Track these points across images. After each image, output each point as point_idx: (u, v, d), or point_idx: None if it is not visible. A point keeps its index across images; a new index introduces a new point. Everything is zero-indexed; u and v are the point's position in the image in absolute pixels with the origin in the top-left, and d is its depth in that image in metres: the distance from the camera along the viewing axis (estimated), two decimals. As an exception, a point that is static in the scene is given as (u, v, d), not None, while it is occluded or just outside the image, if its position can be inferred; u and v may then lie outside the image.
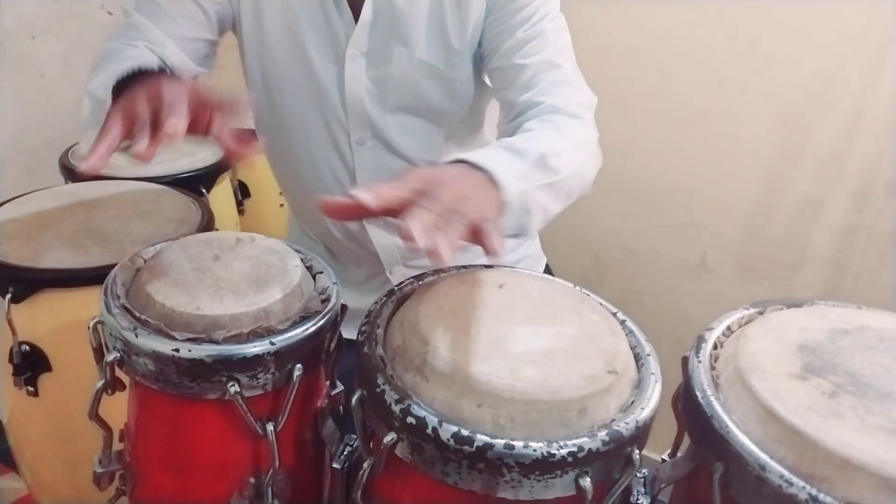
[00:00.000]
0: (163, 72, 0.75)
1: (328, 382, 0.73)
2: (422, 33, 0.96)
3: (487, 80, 1.02)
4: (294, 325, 0.64)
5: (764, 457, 0.55)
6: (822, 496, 0.52)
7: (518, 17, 0.94)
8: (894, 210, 1.50)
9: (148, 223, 1.06)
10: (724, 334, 0.70)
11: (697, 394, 0.61)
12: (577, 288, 0.74)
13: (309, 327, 0.64)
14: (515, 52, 0.93)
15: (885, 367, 0.62)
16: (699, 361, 0.65)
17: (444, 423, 0.55)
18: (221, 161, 1.50)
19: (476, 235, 0.59)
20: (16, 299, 0.96)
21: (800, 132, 1.52)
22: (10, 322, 0.96)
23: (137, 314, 0.62)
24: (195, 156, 1.49)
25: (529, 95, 0.92)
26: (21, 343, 0.96)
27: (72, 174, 1.39)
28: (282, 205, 1.66)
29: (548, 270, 1.25)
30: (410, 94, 0.99)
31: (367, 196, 0.57)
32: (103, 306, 0.63)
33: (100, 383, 0.64)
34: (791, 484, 0.53)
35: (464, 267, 0.75)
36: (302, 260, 0.72)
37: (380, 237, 1.09)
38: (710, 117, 1.56)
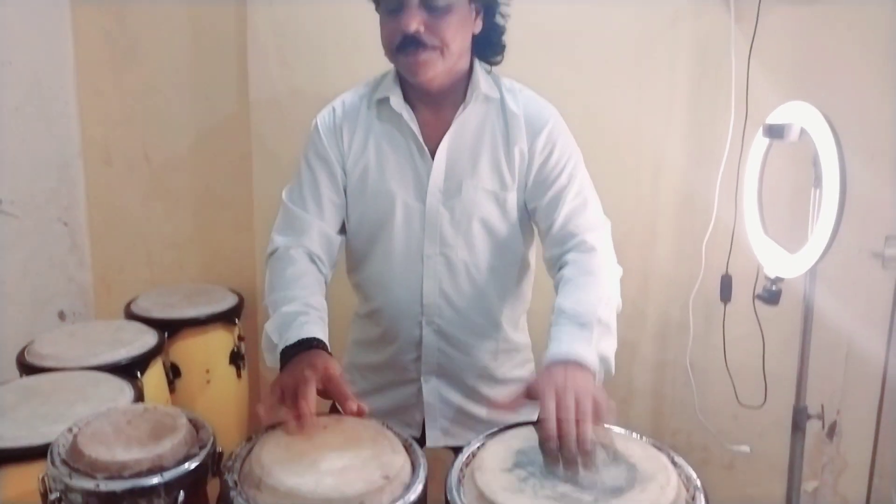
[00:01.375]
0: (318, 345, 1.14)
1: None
2: (483, 167, 1.31)
3: (532, 216, 1.36)
4: (178, 465, 0.97)
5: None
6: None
7: (556, 169, 1.31)
8: (684, 347, 1.92)
9: (88, 405, 1.35)
10: (478, 447, 1.04)
11: (448, 485, 0.95)
12: (381, 423, 1.09)
13: (189, 466, 0.97)
14: (555, 196, 1.30)
15: (567, 458, 0.97)
16: (453, 466, 0.99)
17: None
18: (154, 348, 1.81)
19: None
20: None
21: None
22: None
23: (72, 465, 0.94)
24: (132, 345, 1.78)
25: (565, 227, 1.29)
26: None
27: (27, 368, 1.66)
28: (208, 381, 1.99)
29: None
30: (475, 214, 1.32)
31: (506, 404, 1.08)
32: (49, 462, 0.96)
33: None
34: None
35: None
36: (189, 419, 1.06)
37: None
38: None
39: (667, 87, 1.94)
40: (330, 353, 1.15)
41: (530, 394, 1.06)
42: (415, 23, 1.18)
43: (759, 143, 1.67)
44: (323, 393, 1.08)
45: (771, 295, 1.57)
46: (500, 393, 1.41)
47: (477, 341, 1.40)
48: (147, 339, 1.82)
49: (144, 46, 2.44)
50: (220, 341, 2.05)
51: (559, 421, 0.99)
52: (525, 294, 1.46)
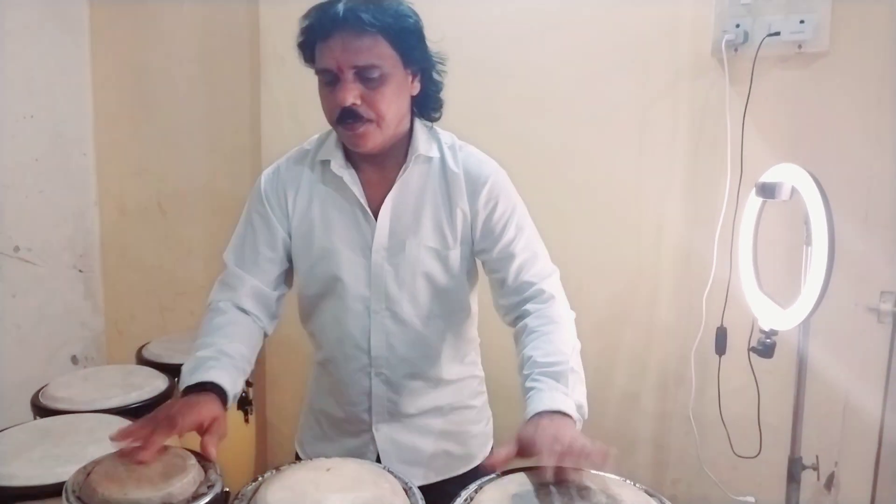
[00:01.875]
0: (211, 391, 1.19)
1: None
2: (426, 226, 1.34)
3: (480, 265, 1.41)
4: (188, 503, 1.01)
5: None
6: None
7: (500, 224, 1.34)
8: (686, 398, 1.94)
9: (100, 447, 1.37)
10: (475, 491, 1.07)
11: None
12: (382, 467, 1.13)
13: (197, 504, 1.01)
14: (504, 250, 1.34)
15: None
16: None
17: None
18: (164, 392, 1.86)
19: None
20: (-7, 513, 1.29)
21: (612, 342, 2.00)
22: (-13, 531, 1.28)
23: (85, 501, 0.98)
24: (142, 389, 1.83)
25: (519, 278, 1.34)
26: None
27: (41, 410, 1.71)
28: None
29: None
30: (419, 270, 1.35)
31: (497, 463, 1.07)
32: (63, 499, 1.00)
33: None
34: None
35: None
36: (198, 460, 1.10)
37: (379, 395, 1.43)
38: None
39: (666, 148, 2.02)
40: (224, 399, 1.20)
41: (521, 447, 1.09)
42: (350, 96, 1.21)
43: (753, 201, 1.73)
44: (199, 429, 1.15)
45: (766, 347, 1.61)
46: (449, 413, 1.47)
47: (424, 385, 1.44)
48: (157, 383, 1.87)
49: (160, 100, 2.55)
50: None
51: (558, 466, 1.03)
52: (470, 335, 1.51)
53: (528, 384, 1.20)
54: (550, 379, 1.18)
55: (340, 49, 1.20)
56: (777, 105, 1.89)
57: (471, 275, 1.44)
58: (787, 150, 1.80)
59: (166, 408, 1.17)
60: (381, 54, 1.22)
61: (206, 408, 1.16)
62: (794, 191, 1.54)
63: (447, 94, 1.38)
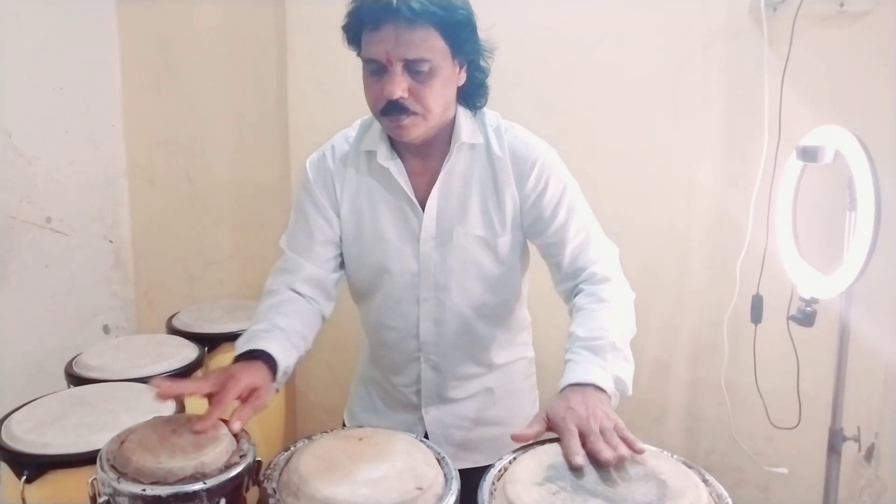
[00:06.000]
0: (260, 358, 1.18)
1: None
2: (473, 215, 1.31)
3: (538, 250, 1.37)
4: (220, 473, 1.00)
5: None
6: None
7: (550, 207, 1.30)
8: (719, 367, 1.91)
9: (132, 416, 1.41)
10: (510, 462, 1.05)
11: (480, 498, 0.97)
12: (415, 437, 1.11)
13: (230, 473, 1.01)
14: (557, 234, 1.31)
15: (598, 474, 0.98)
16: (485, 479, 1.00)
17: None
18: (194, 361, 1.87)
19: (625, 441, 1.00)
20: (29, 480, 1.30)
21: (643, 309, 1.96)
22: (23, 500, 1.30)
23: (120, 469, 0.98)
24: (173, 358, 1.85)
25: (574, 264, 1.31)
26: (33, 517, 1.29)
27: (75, 379, 1.74)
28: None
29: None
30: (468, 259, 1.33)
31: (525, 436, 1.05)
32: (98, 466, 1.00)
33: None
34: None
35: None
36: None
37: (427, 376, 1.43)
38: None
39: (700, 109, 1.96)
40: (274, 370, 1.19)
41: (549, 421, 1.07)
42: (399, 90, 1.17)
43: (793, 165, 1.68)
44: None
45: (806, 316, 1.57)
46: (500, 398, 1.46)
47: (474, 370, 1.43)
48: (188, 352, 1.89)
49: (187, 70, 2.53)
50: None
51: (583, 437, 1.01)
52: (520, 318, 1.48)
53: (566, 357, 1.17)
54: (588, 352, 1.15)
55: (392, 41, 1.15)
56: (817, 66, 1.82)
57: (523, 260, 1.41)
58: (827, 112, 1.73)
59: (225, 369, 1.16)
60: (432, 47, 1.17)
61: (248, 375, 1.14)
62: (837, 154, 1.48)
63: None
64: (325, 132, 1.43)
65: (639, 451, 1.00)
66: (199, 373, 1.89)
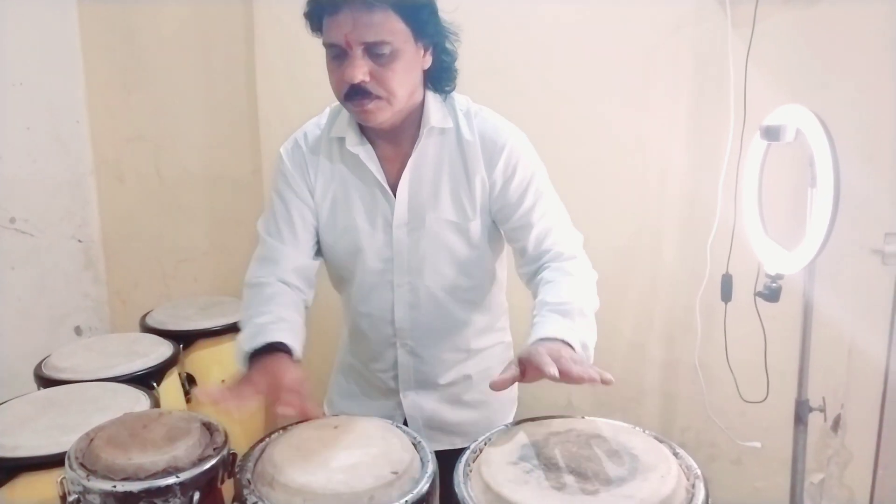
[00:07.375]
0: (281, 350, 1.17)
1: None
2: (444, 200, 1.31)
3: (504, 235, 1.38)
4: (193, 466, 1.00)
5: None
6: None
7: (519, 191, 1.30)
8: (692, 346, 1.94)
9: (105, 415, 1.37)
10: (484, 444, 1.06)
11: (455, 479, 0.97)
12: (391, 423, 1.12)
13: (203, 466, 1.00)
14: (522, 218, 1.31)
15: (571, 452, 1.00)
16: (460, 461, 1.01)
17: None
18: (169, 359, 1.85)
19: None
20: (0, 483, 1.28)
21: (617, 293, 1.98)
22: (-6, 503, 1.28)
23: (89, 467, 0.98)
24: (147, 356, 1.82)
25: (539, 246, 1.32)
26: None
27: (45, 381, 1.70)
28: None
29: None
30: (440, 244, 1.33)
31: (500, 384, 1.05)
32: (67, 465, 0.99)
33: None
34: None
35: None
36: (203, 423, 1.09)
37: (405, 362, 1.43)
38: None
39: (669, 92, 1.98)
40: (296, 361, 1.18)
41: (522, 363, 1.07)
42: (360, 73, 1.16)
43: (758, 144, 1.70)
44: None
45: (771, 292, 1.59)
46: (478, 383, 1.47)
47: (451, 355, 1.44)
48: (162, 350, 1.86)
49: (153, 64, 2.50)
50: (234, 351, 2.08)
51: (559, 363, 1.02)
52: (497, 303, 1.49)
53: (534, 321, 1.18)
54: (556, 314, 1.16)
55: (349, 24, 1.15)
56: (781, 47, 1.85)
57: (494, 243, 1.41)
58: (790, 92, 1.75)
59: (260, 373, 1.14)
60: (391, 30, 1.16)
61: (287, 369, 1.14)
62: (798, 133, 1.50)
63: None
64: (296, 124, 1.42)
65: (606, 382, 1.00)
66: (174, 370, 1.88)
